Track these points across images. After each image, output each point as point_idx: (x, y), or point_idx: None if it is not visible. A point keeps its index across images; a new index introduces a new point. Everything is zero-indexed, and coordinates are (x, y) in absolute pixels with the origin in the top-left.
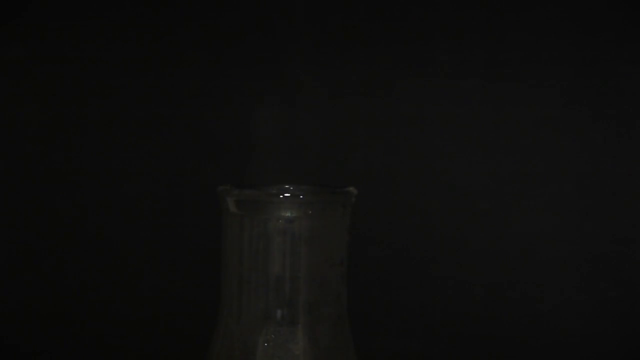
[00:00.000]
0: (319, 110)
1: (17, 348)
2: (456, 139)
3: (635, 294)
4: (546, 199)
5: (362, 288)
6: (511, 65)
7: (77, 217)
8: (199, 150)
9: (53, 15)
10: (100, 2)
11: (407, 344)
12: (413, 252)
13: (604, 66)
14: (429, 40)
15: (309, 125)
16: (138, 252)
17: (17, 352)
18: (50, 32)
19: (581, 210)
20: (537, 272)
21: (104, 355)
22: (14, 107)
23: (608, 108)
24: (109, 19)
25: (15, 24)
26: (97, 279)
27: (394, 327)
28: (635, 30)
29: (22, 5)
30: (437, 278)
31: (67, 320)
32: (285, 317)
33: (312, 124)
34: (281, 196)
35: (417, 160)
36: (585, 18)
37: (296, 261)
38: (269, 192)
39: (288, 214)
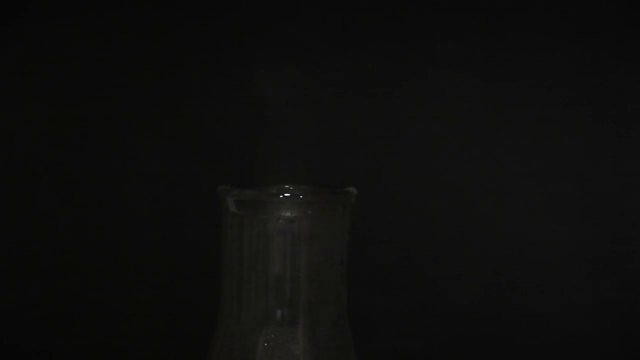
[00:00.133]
0: (319, 110)
1: (17, 348)
2: (456, 139)
3: (635, 294)
4: (546, 199)
5: (362, 288)
6: (511, 65)
7: (77, 217)
8: (199, 150)
9: (53, 15)
10: (100, 2)
11: (407, 344)
12: (413, 252)
13: (604, 66)
14: (429, 39)
15: (309, 126)
16: (138, 252)
17: (17, 352)
18: (50, 32)
19: (581, 210)
20: (537, 272)
21: (104, 355)
22: (14, 107)
23: (608, 108)
24: (109, 18)
25: (15, 24)
26: (97, 279)
27: (394, 327)
28: (635, 30)
29: (22, 5)
30: (437, 278)
31: (67, 320)
32: (285, 317)
33: (312, 124)
34: (281, 196)
35: (417, 160)
36: (585, 18)
37: (296, 261)
38: (268, 192)
39: (288, 214)
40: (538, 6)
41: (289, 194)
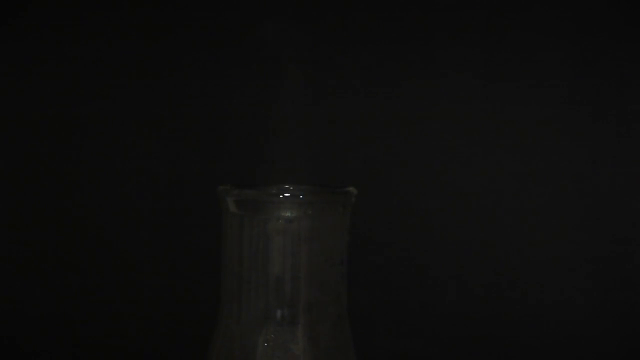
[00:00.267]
0: (319, 110)
1: (17, 348)
2: (456, 139)
3: (635, 294)
4: (546, 199)
5: (362, 288)
6: (511, 65)
7: (77, 216)
8: (199, 150)
9: (53, 15)
10: (100, 2)
11: (407, 344)
12: (413, 252)
13: (604, 66)
14: (429, 39)
15: (310, 126)
16: (138, 252)
17: (17, 352)
18: (50, 32)
19: (581, 210)
20: (537, 272)
21: (104, 355)
22: (14, 107)
23: (608, 108)
24: (109, 18)
25: (15, 24)
26: (97, 279)
27: (394, 327)
28: (635, 30)
29: (22, 4)
30: (437, 278)
31: (67, 320)
32: (285, 317)
33: (313, 124)
34: (281, 196)
35: (417, 160)
36: (585, 18)
37: (296, 261)
38: (268, 192)
39: (288, 214)
40: (538, 6)
41: (289, 194)
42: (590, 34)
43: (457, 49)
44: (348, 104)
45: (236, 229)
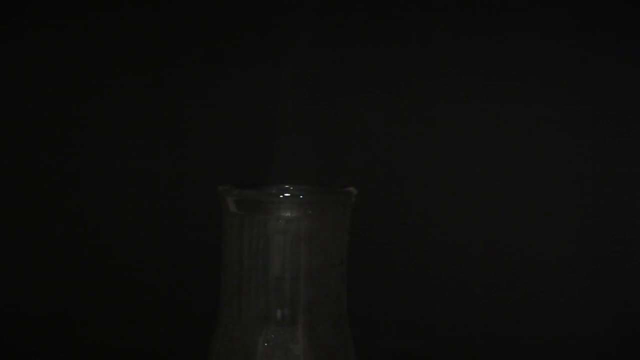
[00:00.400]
0: (319, 111)
1: (17, 348)
2: (456, 139)
3: (635, 294)
4: (546, 199)
5: (362, 288)
6: (511, 65)
7: (77, 217)
8: (199, 150)
9: (53, 15)
10: (100, 1)
11: (407, 344)
12: (413, 251)
13: (604, 66)
14: (428, 39)
15: (309, 125)
16: (138, 252)
17: (17, 352)
18: (50, 32)
19: (581, 210)
20: (537, 272)
21: (104, 355)
22: (14, 107)
23: (608, 108)
24: (109, 18)
25: (15, 24)
26: (97, 279)
27: (394, 327)
28: (635, 30)
29: (22, 4)
30: (437, 278)
31: (67, 320)
32: (285, 317)
33: (312, 124)
34: (281, 196)
35: (417, 160)
36: (585, 18)
37: (296, 261)
38: (269, 192)
39: (288, 214)
40: (538, 6)
41: (289, 194)
42: (590, 34)
43: (457, 49)
44: (348, 104)
45: (236, 229)
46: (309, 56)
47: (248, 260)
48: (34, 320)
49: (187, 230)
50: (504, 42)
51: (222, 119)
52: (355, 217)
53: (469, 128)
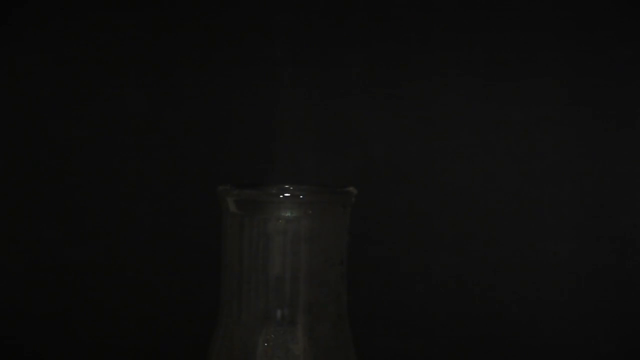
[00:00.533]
0: (319, 110)
1: (17, 348)
2: (456, 139)
3: (636, 294)
4: (546, 199)
5: (362, 288)
6: (511, 65)
7: (77, 217)
8: (199, 150)
9: (53, 15)
10: (100, 1)
11: (407, 344)
12: (413, 251)
13: (604, 66)
14: (428, 39)
15: (309, 125)
16: (138, 252)
17: (17, 352)
18: (50, 31)
19: (581, 210)
20: (537, 272)
21: (104, 355)
22: (14, 107)
23: (608, 108)
24: (109, 18)
25: (14, 24)
26: (97, 279)
27: (394, 327)
28: (635, 30)
29: (22, 4)
30: (437, 278)
31: (67, 320)
32: (285, 317)
33: (312, 123)
34: (281, 196)
35: (417, 159)
36: (585, 18)
37: (296, 261)
38: (269, 192)
39: (288, 214)
40: (538, 6)
41: (289, 194)
42: (591, 33)
43: (457, 49)
44: (348, 104)
45: (236, 229)
46: (309, 56)
47: (248, 260)
48: (34, 320)
49: (187, 230)
50: (504, 42)
51: (222, 119)
52: (355, 217)
53: (469, 128)
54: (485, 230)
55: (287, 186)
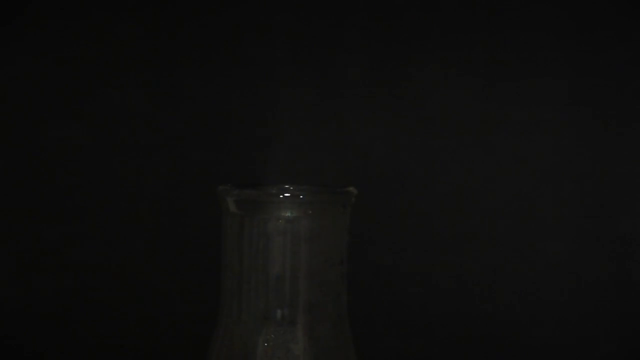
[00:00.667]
0: (319, 110)
1: (17, 348)
2: (456, 139)
3: (636, 294)
4: (546, 199)
5: (362, 288)
6: (511, 65)
7: (77, 217)
8: (199, 150)
9: (53, 15)
10: (100, 1)
11: (407, 344)
12: (413, 251)
13: (604, 66)
14: (428, 39)
15: (309, 125)
16: (138, 252)
17: (17, 352)
18: (50, 31)
19: (581, 210)
20: (537, 272)
21: (104, 355)
22: (14, 107)
23: (608, 108)
24: (109, 18)
25: (15, 24)
26: (97, 279)
27: (394, 327)
28: (635, 30)
29: (22, 4)
30: (437, 278)
31: (68, 320)
32: (285, 317)
33: (312, 123)
34: (281, 196)
35: (417, 160)
36: (585, 17)
37: (296, 261)
38: (269, 192)
39: (288, 214)
40: (538, 6)
41: (289, 194)
42: (591, 33)
43: (457, 49)
44: (348, 104)
45: (236, 229)
46: (309, 56)
47: (248, 260)
48: (34, 320)
49: (187, 230)
50: (504, 42)
51: (222, 118)
52: (355, 217)
53: (469, 128)
54: (485, 230)
55: (287, 186)
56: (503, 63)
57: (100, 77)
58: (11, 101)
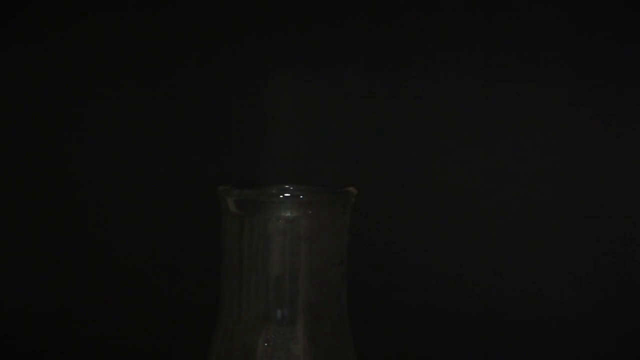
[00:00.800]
0: (319, 110)
1: (17, 348)
2: (456, 139)
3: (635, 294)
4: (546, 199)
5: (362, 288)
6: (511, 65)
7: (77, 217)
8: (199, 150)
9: (53, 15)
10: (100, 1)
11: (407, 344)
12: (413, 251)
13: (604, 66)
14: (428, 39)
15: (310, 126)
16: (138, 252)
17: (17, 352)
18: (50, 32)
19: (581, 210)
20: (537, 272)
21: (104, 355)
22: (14, 107)
23: (608, 108)
24: (109, 18)
25: (14, 24)
26: (97, 279)
27: (394, 327)
28: (635, 30)
29: (22, 4)
30: (437, 278)
31: (68, 320)
32: (285, 317)
33: (312, 124)
34: (281, 196)
35: (417, 160)
36: (585, 18)
37: (296, 261)
38: (269, 192)
39: (288, 214)
40: (538, 6)
41: (289, 194)
42: (591, 34)
43: (457, 49)
44: (348, 104)
45: (236, 229)
46: (309, 56)
47: (248, 261)
48: (34, 320)
49: (187, 230)
50: (504, 42)
51: (222, 118)
52: (356, 217)
53: (469, 128)
54: (485, 230)
55: (287, 186)
56: (503, 63)
57: (100, 77)
58: (11, 101)
